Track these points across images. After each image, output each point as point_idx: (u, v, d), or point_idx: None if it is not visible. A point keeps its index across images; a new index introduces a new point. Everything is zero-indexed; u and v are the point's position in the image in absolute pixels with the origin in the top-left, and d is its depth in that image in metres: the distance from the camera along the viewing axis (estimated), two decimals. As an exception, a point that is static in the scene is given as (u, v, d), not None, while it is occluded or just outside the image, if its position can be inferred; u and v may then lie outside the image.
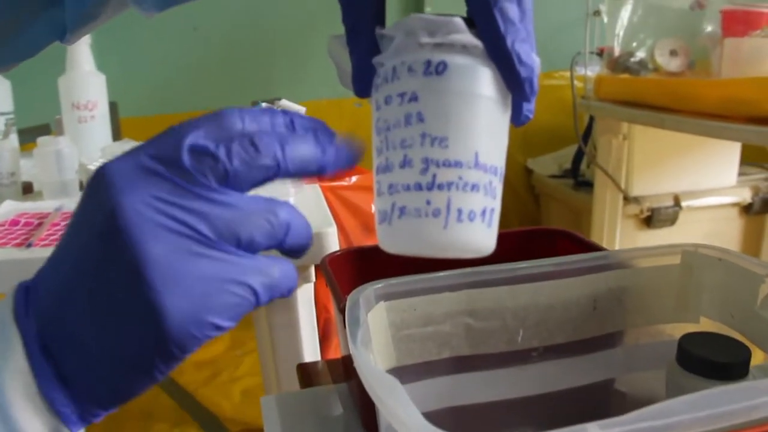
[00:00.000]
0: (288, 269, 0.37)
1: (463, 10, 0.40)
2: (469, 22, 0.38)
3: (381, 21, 0.41)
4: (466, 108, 0.37)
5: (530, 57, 0.37)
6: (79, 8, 0.51)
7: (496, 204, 0.39)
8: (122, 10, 0.52)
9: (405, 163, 0.37)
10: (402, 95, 0.38)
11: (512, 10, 0.37)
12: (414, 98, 0.37)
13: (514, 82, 0.38)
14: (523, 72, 0.37)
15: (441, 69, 0.37)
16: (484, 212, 0.38)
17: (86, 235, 0.33)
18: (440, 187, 0.37)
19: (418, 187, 0.37)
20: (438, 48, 0.38)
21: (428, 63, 0.37)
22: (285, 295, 0.36)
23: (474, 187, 0.37)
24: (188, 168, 0.33)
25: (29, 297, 0.34)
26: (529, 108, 0.40)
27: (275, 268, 0.36)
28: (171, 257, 0.32)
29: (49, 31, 0.53)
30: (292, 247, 0.37)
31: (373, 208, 0.41)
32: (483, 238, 0.38)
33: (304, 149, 0.36)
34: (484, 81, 0.37)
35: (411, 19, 0.38)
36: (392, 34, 0.39)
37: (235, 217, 0.34)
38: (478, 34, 0.38)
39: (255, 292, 0.35)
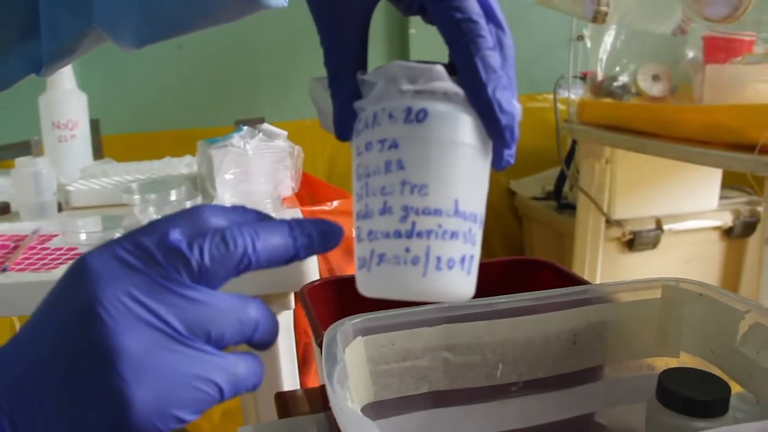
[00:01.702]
0: (254, 366, 0.37)
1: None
2: (451, 68, 0.38)
3: (363, 65, 0.41)
4: (446, 156, 0.37)
5: (511, 104, 0.38)
6: (55, 43, 0.50)
7: (476, 251, 0.38)
8: (99, 44, 0.52)
9: (385, 210, 0.37)
10: (382, 142, 0.38)
11: (494, 58, 0.37)
12: (394, 145, 0.37)
13: (495, 130, 0.38)
14: (503, 120, 0.37)
15: (422, 117, 0.37)
16: (463, 260, 0.37)
17: (62, 319, 0.34)
18: (419, 235, 0.36)
19: (398, 234, 0.37)
20: (419, 95, 0.38)
21: (409, 110, 0.37)
22: (250, 390, 0.37)
23: (453, 235, 0.37)
24: (163, 264, 0.34)
25: None
26: (510, 153, 0.40)
27: (241, 365, 0.36)
28: (143, 350, 0.33)
29: (24, 64, 0.52)
30: (259, 342, 0.38)
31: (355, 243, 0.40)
32: (461, 285, 0.38)
33: (274, 241, 0.37)
34: (465, 129, 0.37)
35: (392, 65, 0.38)
36: (373, 80, 0.39)
37: (206, 313, 0.35)
38: (460, 81, 0.38)
39: (220, 389, 0.35)
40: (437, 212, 0.37)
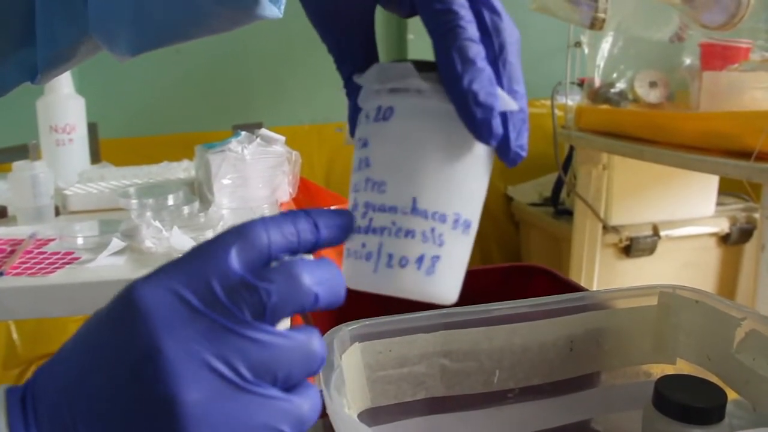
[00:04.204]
0: (316, 402, 0.34)
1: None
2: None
3: None
4: (407, 153, 0.37)
5: (490, 98, 0.36)
6: (50, 50, 0.50)
7: (443, 251, 0.37)
8: (95, 52, 0.52)
9: (354, 207, 0.38)
10: (359, 141, 0.39)
11: (473, 49, 0.36)
12: (365, 144, 0.38)
13: (471, 124, 0.36)
14: (478, 113, 0.35)
15: (388, 114, 0.38)
16: (421, 259, 0.37)
17: (116, 366, 0.31)
18: (374, 231, 0.37)
19: (358, 230, 0.38)
20: (392, 93, 0.38)
21: (378, 109, 0.38)
22: (310, 427, 0.35)
23: (409, 233, 0.37)
24: (227, 304, 0.31)
25: (27, 409, 0.32)
26: (520, 145, 0.38)
27: (305, 405, 0.33)
28: (207, 401, 0.30)
29: (19, 71, 0.52)
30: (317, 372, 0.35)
31: None
32: (418, 284, 0.37)
33: (333, 278, 0.35)
34: (432, 125, 0.37)
35: (372, 67, 0.39)
36: (360, 82, 0.40)
37: (273, 355, 0.32)
38: (440, 76, 0.37)
39: None
40: (392, 209, 0.37)
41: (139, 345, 0.31)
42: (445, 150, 0.37)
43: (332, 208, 0.37)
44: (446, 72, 0.36)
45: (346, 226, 0.37)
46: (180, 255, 0.33)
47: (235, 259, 0.32)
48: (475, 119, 0.36)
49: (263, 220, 0.34)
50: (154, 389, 0.30)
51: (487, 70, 0.36)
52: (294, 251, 0.35)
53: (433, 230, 0.37)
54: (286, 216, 0.35)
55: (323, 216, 0.36)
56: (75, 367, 0.32)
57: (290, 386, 0.33)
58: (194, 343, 0.31)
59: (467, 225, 0.38)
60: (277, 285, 0.32)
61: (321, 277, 0.34)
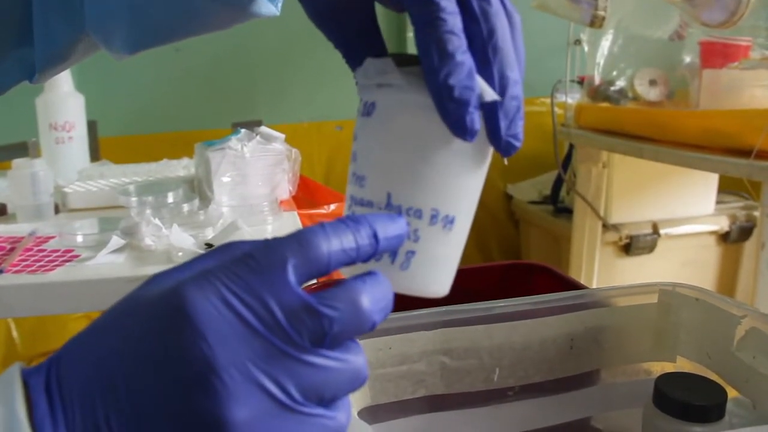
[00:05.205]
0: (350, 413, 0.34)
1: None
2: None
3: None
4: (382, 148, 0.37)
5: (466, 92, 0.35)
6: (48, 49, 0.50)
7: (418, 247, 0.37)
8: (93, 51, 0.52)
9: (345, 199, 0.40)
10: (354, 135, 0.40)
11: (452, 43, 0.35)
12: (355, 138, 0.39)
13: (446, 119, 0.35)
14: (451, 108, 0.35)
15: (371, 110, 0.38)
16: (394, 254, 0.37)
17: (163, 375, 0.30)
18: None
19: None
20: (378, 88, 0.38)
21: (365, 104, 0.39)
22: None
23: None
24: (286, 328, 0.30)
25: (52, 395, 0.31)
26: (512, 134, 0.36)
27: (344, 418, 0.33)
28: (254, 421, 0.30)
29: (17, 70, 0.52)
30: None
31: None
32: (393, 278, 0.37)
33: (387, 299, 0.34)
34: (411, 120, 0.37)
35: (364, 62, 0.39)
36: (356, 79, 0.40)
37: (324, 378, 0.31)
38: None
39: None
40: (369, 204, 0.37)
41: (191, 358, 0.30)
42: (423, 145, 0.37)
43: (387, 214, 0.36)
44: (425, 66, 0.35)
45: (402, 236, 0.35)
46: (228, 252, 0.33)
47: (293, 276, 0.31)
48: (448, 113, 0.35)
49: (324, 230, 0.32)
50: (202, 405, 0.29)
51: (467, 64, 0.35)
52: (351, 264, 0.34)
53: (407, 225, 0.37)
54: (348, 225, 0.33)
55: (381, 225, 0.34)
56: (113, 359, 0.31)
57: (331, 402, 0.33)
58: (249, 362, 0.30)
59: (449, 221, 0.38)
60: (341, 313, 0.31)
61: (379, 302, 0.33)
